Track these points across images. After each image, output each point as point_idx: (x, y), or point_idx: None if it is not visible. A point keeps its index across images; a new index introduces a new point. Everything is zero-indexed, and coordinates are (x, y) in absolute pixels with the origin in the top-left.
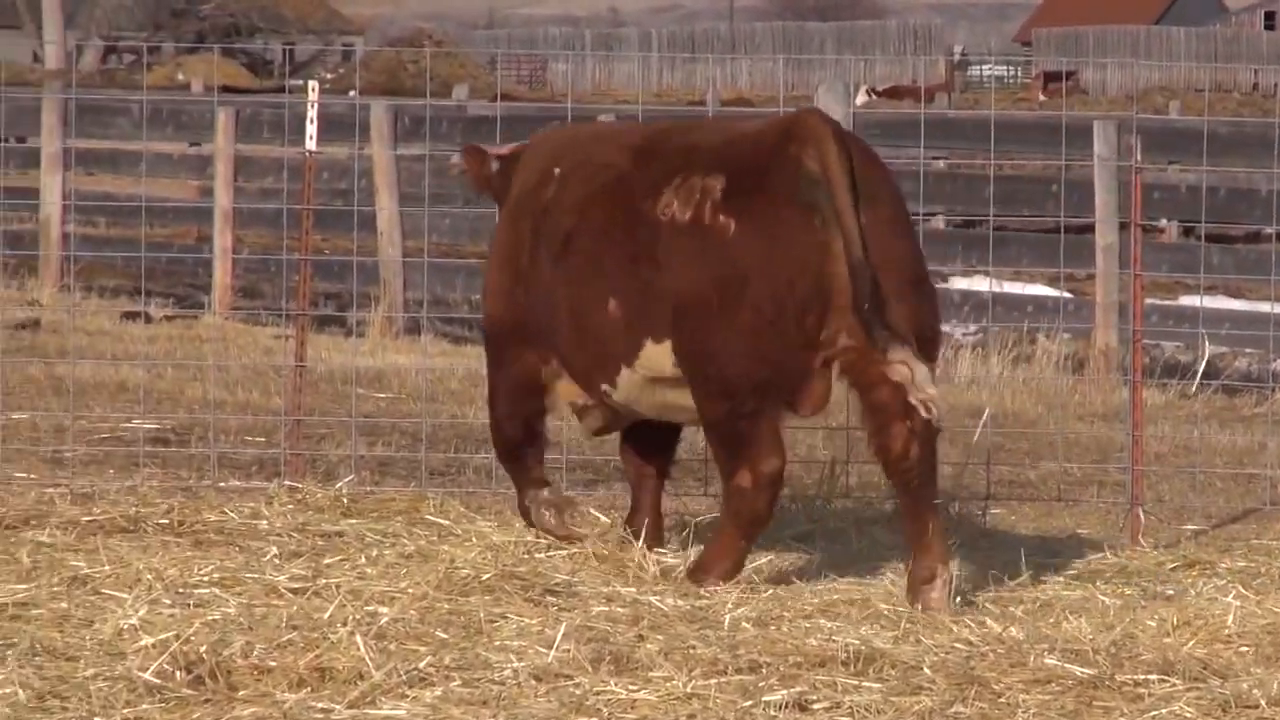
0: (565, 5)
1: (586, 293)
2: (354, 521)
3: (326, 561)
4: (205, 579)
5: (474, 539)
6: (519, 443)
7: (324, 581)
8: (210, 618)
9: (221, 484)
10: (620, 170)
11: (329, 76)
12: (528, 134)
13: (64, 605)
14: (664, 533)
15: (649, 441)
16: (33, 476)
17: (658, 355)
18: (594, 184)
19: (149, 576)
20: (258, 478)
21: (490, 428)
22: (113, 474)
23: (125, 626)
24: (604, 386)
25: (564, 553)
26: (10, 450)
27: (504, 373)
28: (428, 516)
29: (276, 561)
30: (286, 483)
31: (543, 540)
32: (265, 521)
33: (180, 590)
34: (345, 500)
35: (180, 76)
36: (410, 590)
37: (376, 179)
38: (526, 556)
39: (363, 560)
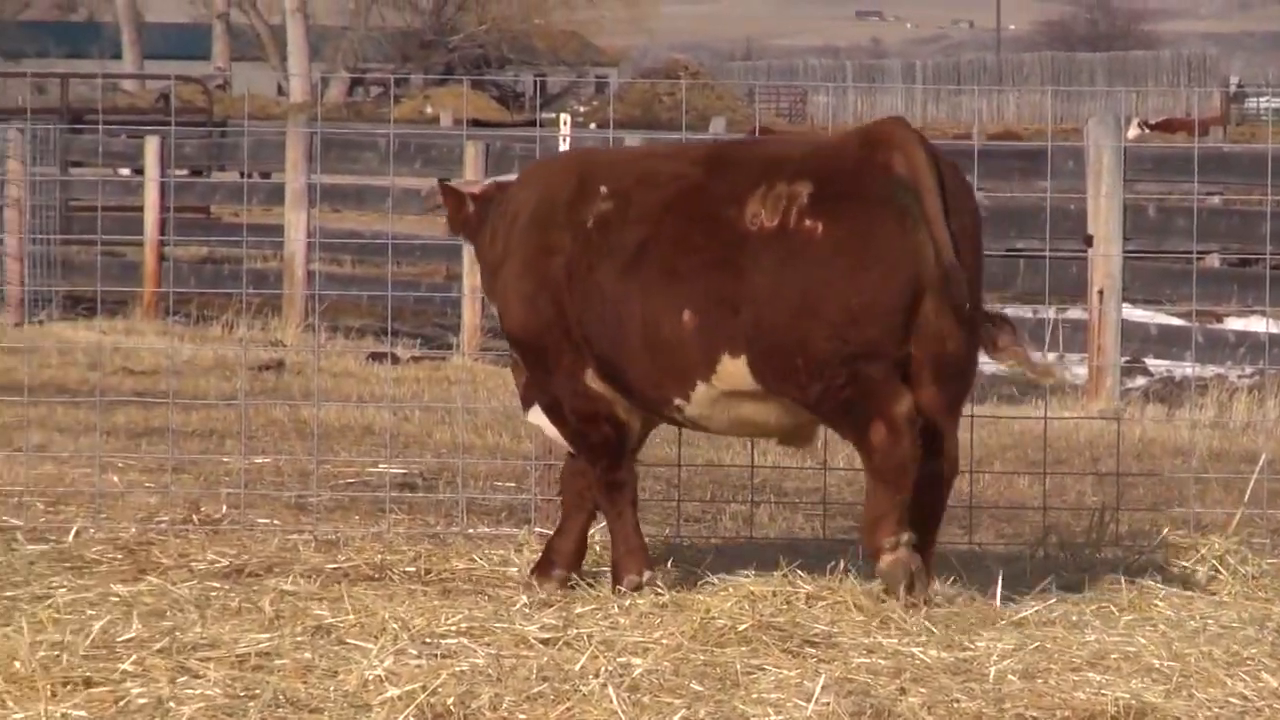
0: (825, 36)
1: (665, 305)
2: (606, 569)
3: (578, 610)
4: (453, 628)
5: (730, 588)
6: (612, 444)
7: (575, 631)
8: (458, 669)
9: (470, 530)
10: (696, 182)
11: (582, 109)
12: None
13: (307, 655)
14: (582, 561)
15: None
16: (276, 522)
17: (736, 369)
18: (670, 195)
19: (395, 626)
20: (507, 524)
21: (570, 438)
22: (358, 520)
23: (370, 677)
24: (676, 400)
25: (823, 602)
26: (254, 495)
27: (557, 374)
28: (682, 564)
29: (526, 611)
30: (537, 529)
31: (801, 589)
32: (515, 569)
33: (427, 640)
34: (597, 547)
35: (428, 109)
36: (664, 641)
37: None
38: (785, 606)
39: (615, 609)
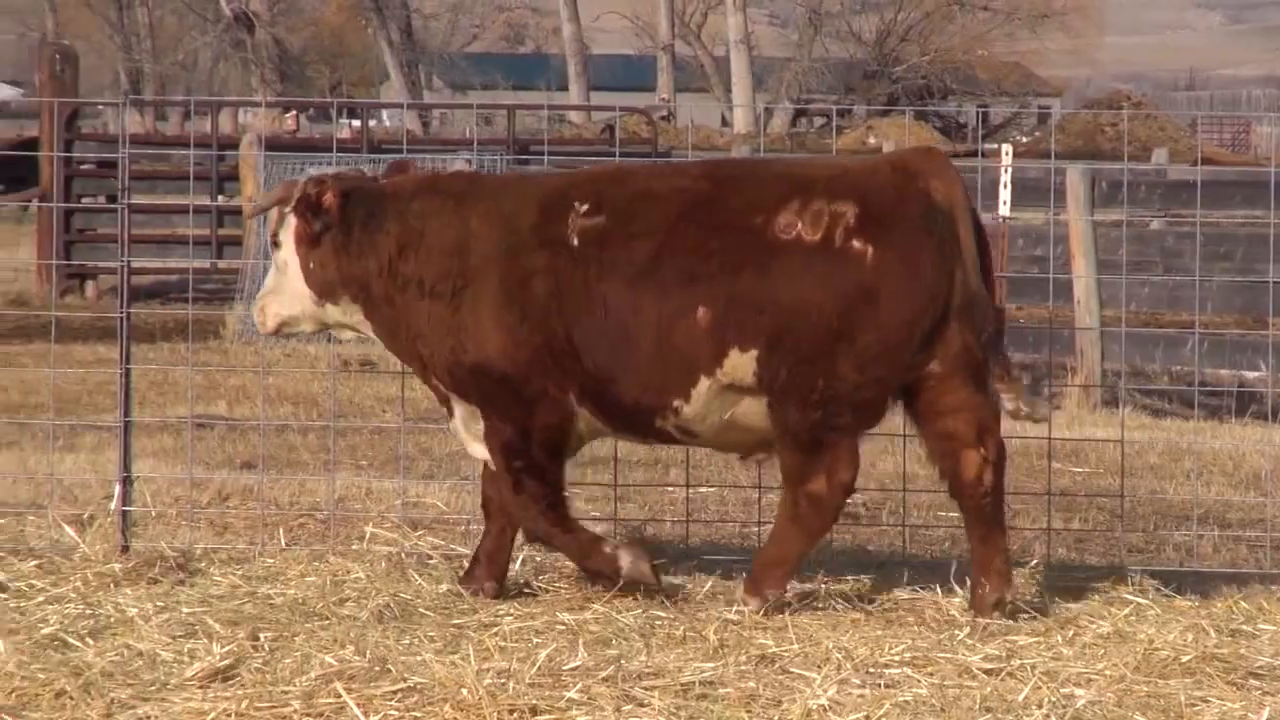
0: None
1: (677, 308)
2: (1049, 600)
3: (1021, 641)
4: (896, 658)
5: (1174, 619)
6: (555, 490)
7: (1018, 662)
8: (901, 699)
9: (913, 560)
10: (705, 196)
11: (1024, 139)
12: (1228, 199)
13: (751, 684)
14: (507, 565)
15: None
16: (718, 556)
17: (742, 363)
18: (673, 208)
19: (838, 655)
20: (949, 554)
21: (514, 483)
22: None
23: (814, 706)
24: (675, 402)
25: (1269, 634)
26: (697, 524)
27: (529, 412)
28: (1125, 595)
29: (969, 641)
30: None
31: (1237, 621)
32: (958, 599)
33: (870, 670)
34: (1040, 578)
35: (871, 140)
36: (1107, 672)
37: (1072, 245)
38: (1229, 639)
39: (1059, 640)
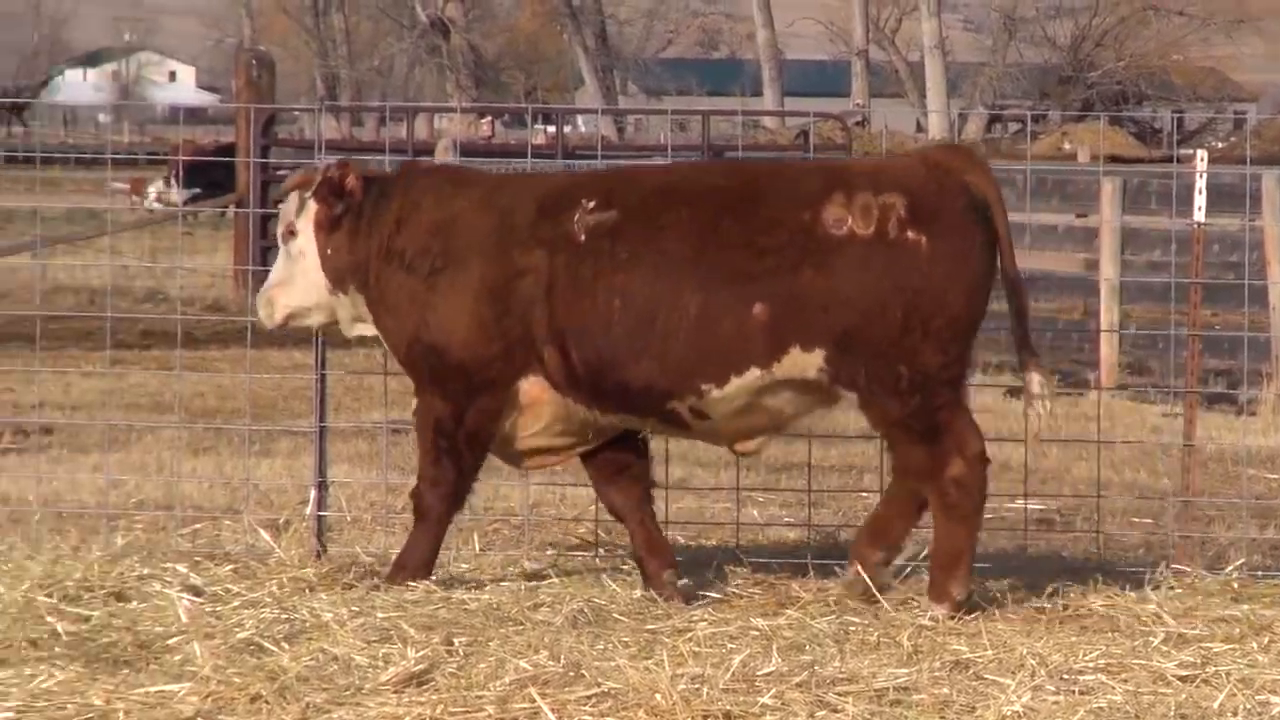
0: None
1: (714, 299)
2: (1245, 607)
3: (1216, 648)
4: (1090, 665)
5: None
6: (465, 482)
7: (1213, 669)
8: (1095, 705)
9: (1107, 566)
10: (734, 192)
11: (1219, 145)
12: None
13: (945, 690)
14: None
15: (621, 472)
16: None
17: (804, 361)
18: (702, 205)
19: (1033, 661)
20: (1144, 560)
21: (433, 457)
22: (996, 556)
23: (1008, 713)
24: (705, 386)
25: None
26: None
27: (495, 388)
28: None
29: (1164, 648)
30: (1174, 566)
31: None
32: (1153, 606)
33: (1064, 676)
34: (1235, 585)
35: (1066, 145)
36: None
37: (1267, 251)
38: None
39: (1254, 647)
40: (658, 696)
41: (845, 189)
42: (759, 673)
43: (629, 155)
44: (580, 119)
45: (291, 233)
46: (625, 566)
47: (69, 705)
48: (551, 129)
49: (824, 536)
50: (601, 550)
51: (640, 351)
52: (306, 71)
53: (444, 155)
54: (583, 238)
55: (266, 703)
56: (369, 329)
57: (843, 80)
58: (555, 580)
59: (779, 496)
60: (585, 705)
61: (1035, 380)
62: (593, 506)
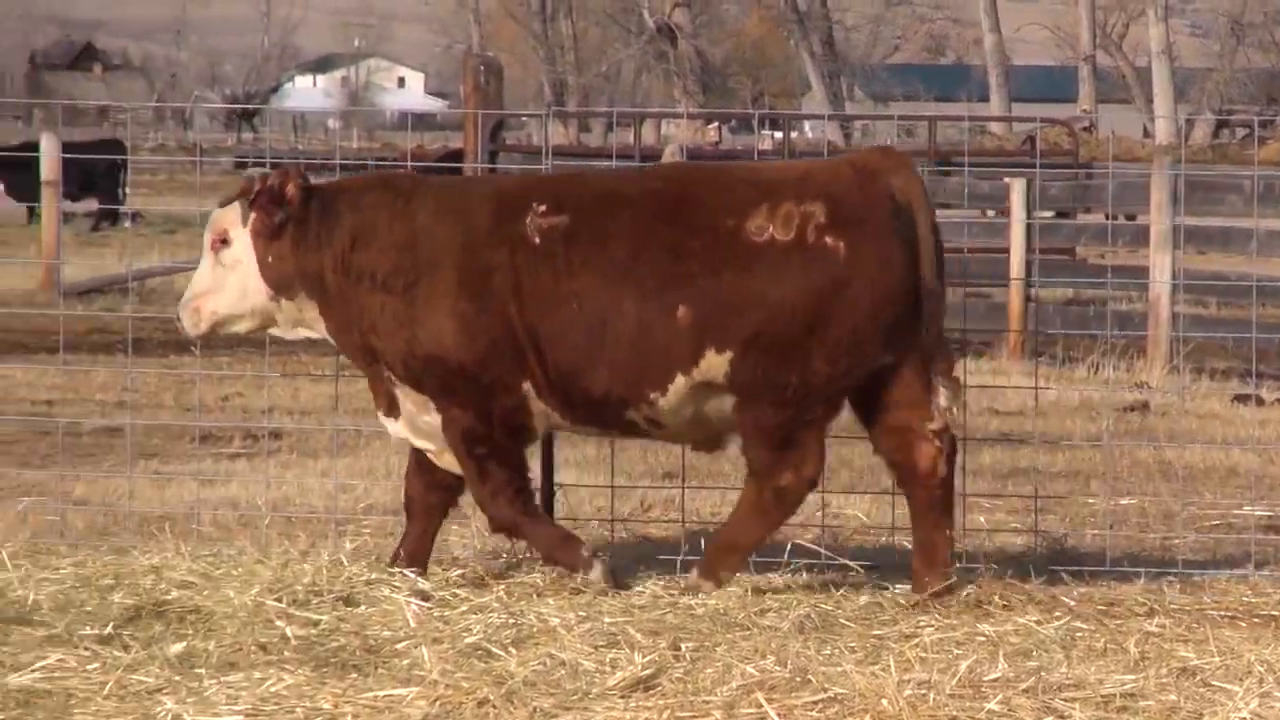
0: None
1: (654, 306)
2: None
3: None
4: None
5: None
6: (520, 476)
7: None
8: None
9: None
10: (670, 199)
11: None
12: None
13: (1172, 697)
14: (428, 562)
15: (437, 475)
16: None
17: (717, 363)
18: (643, 211)
19: (1260, 669)
20: None
21: (479, 472)
22: (1222, 562)
23: None
24: (652, 394)
25: None
26: (1119, 536)
27: (498, 392)
28: None
29: None
30: None
31: None
32: None
33: None
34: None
35: None
36: None
37: None
38: None
39: None
40: (884, 702)
41: (773, 198)
42: (985, 678)
43: None
44: (807, 125)
45: (224, 242)
46: (852, 571)
47: (298, 709)
48: (778, 135)
49: (1050, 542)
50: (827, 556)
51: (595, 360)
52: (534, 77)
53: (670, 161)
54: (539, 240)
55: (494, 707)
56: (311, 333)
57: (1070, 85)
58: (781, 586)
59: (1005, 503)
60: (811, 710)
61: (943, 392)
62: (819, 513)
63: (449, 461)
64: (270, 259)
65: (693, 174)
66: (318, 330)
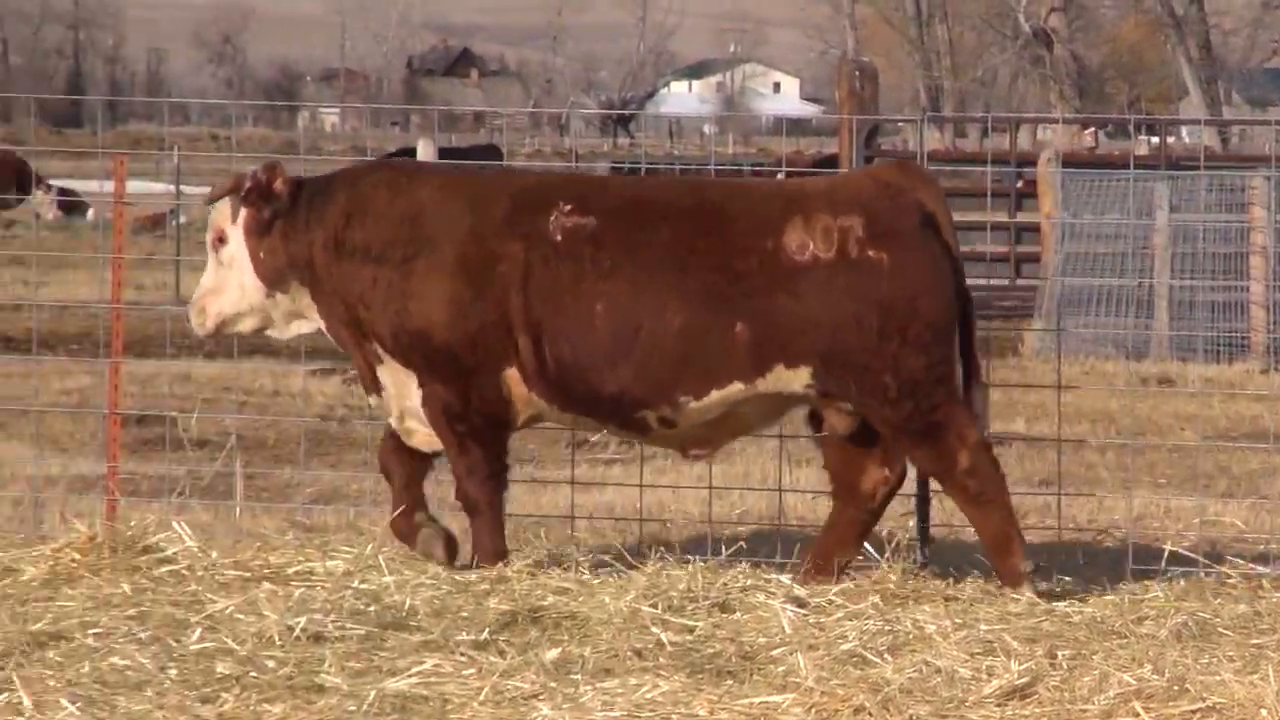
0: None
1: (702, 316)
2: None
3: None
4: None
5: None
6: (499, 459)
7: None
8: None
9: None
10: (709, 212)
11: None
12: None
13: None
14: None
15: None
16: None
17: (789, 377)
18: (670, 223)
19: None
20: None
21: (458, 447)
22: None
23: None
24: (683, 398)
25: None
26: None
27: (478, 373)
28: None
29: None
30: None
31: None
32: None
33: None
34: None
35: None
36: None
37: None
38: None
39: None
40: (1263, 712)
41: (805, 213)
42: None
43: (1230, 167)
44: (1184, 130)
45: (222, 240)
46: (1230, 579)
47: (673, 715)
48: (1155, 140)
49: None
50: (1205, 564)
51: (613, 359)
52: (909, 82)
53: (1046, 167)
54: (560, 239)
55: (870, 714)
56: (307, 325)
57: None
58: (1158, 594)
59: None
60: None
61: (975, 399)
62: (1196, 520)
63: (419, 441)
64: (262, 254)
65: (725, 188)
66: (313, 319)
